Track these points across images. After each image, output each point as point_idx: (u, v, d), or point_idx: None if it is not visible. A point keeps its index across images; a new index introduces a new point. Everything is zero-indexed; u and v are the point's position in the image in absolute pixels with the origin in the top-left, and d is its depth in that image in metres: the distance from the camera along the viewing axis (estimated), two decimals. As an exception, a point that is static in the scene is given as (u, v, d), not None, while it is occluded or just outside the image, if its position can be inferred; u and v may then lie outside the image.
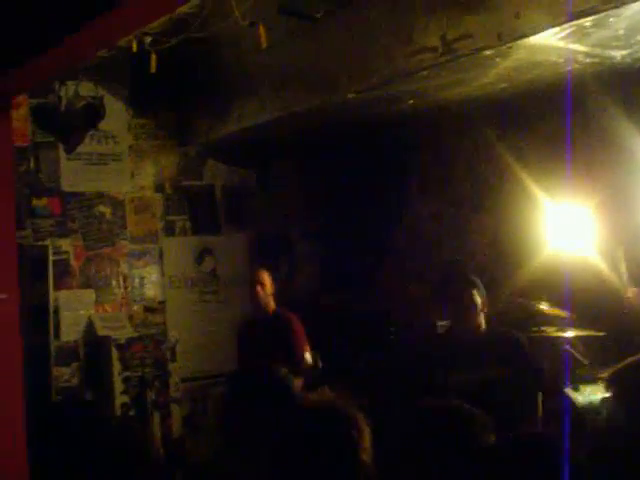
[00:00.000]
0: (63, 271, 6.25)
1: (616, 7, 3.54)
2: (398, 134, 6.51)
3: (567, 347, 4.88)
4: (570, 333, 4.89)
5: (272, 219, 7.17)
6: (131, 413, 6.24)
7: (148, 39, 4.54)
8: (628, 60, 4.55)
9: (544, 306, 5.03)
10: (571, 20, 3.69)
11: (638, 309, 4.94)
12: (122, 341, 6.42)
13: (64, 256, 6.26)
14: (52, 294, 6.15)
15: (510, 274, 4.64)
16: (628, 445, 2.44)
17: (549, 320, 5.03)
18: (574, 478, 1.91)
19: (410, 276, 6.70)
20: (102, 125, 6.03)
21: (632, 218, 5.06)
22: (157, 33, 4.50)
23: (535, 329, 4.95)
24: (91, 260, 6.38)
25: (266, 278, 5.88)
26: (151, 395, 6.49)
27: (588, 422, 4.31)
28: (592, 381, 4.62)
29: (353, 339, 6.46)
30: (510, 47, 4.16)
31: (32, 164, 6.15)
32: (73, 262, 6.29)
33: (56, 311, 6.18)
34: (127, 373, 6.41)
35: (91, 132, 6.05)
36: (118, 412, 6.23)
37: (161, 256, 6.71)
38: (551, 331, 4.91)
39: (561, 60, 4.51)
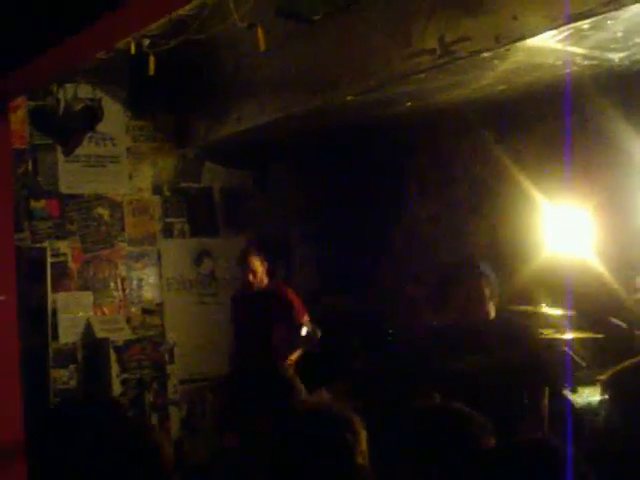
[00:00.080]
0: (61, 273, 6.25)
1: (614, 10, 3.54)
2: (396, 136, 6.51)
3: (566, 349, 4.88)
4: (568, 335, 4.89)
5: (270, 221, 7.17)
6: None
7: (146, 41, 4.53)
8: (626, 62, 4.56)
9: (543, 308, 5.03)
10: (569, 22, 3.69)
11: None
12: (120, 343, 6.42)
13: (62, 258, 6.26)
14: (50, 296, 6.15)
15: (508, 276, 4.63)
16: (626, 448, 2.44)
17: (548, 322, 5.03)
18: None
19: (408, 278, 6.70)
20: (100, 127, 6.03)
21: (630, 220, 5.06)
22: (155, 35, 4.49)
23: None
24: (89, 262, 6.37)
25: (257, 264, 5.92)
26: (149, 397, 6.49)
27: (586, 424, 4.32)
28: (590, 383, 4.62)
29: (351, 340, 6.47)
30: (508, 49, 4.16)
31: (30, 166, 6.15)
32: (71, 264, 6.29)
33: (54, 313, 6.18)
34: (125, 375, 6.41)
35: (89, 134, 6.04)
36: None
37: (159, 258, 6.70)
38: (549, 333, 4.91)
39: (559, 62, 4.52)
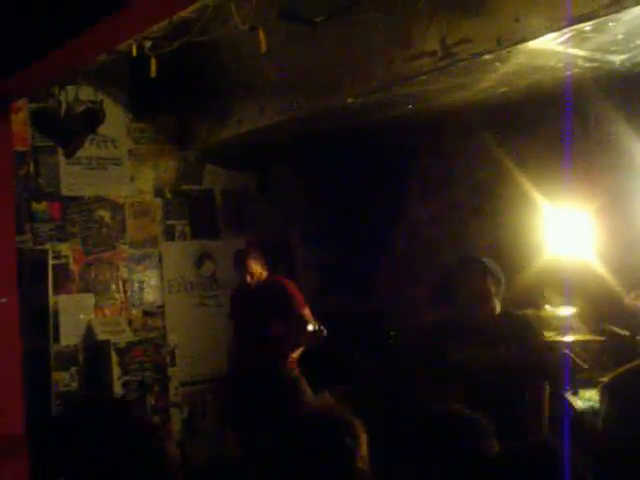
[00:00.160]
0: (62, 275, 6.24)
1: (615, 12, 3.54)
2: (398, 138, 6.51)
3: (567, 351, 4.87)
4: (569, 337, 4.88)
5: (272, 223, 7.17)
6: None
7: (148, 43, 4.54)
8: (627, 65, 4.56)
9: (544, 311, 5.03)
10: (570, 25, 3.69)
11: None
12: (122, 345, 6.41)
13: (64, 260, 6.25)
14: (51, 298, 6.15)
15: (509, 278, 4.62)
16: (623, 451, 2.44)
17: (549, 324, 5.03)
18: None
19: (410, 279, 6.70)
20: (102, 129, 6.02)
21: (632, 223, 5.06)
22: (157, 37, 4.50)
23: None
24: (90, 264, 6.37)
25: (253, 266, 5.91)
26: (150, 399, 6.50)
27: (587, 426, 4.31)
28: (591, 385, 4.61)
29: (353, 342, 6.47)
30: (509, 51, 4.16)
31: (32, 168, 6.15)
32: (73, 266, 6.29)
33: (55, 315, 6.17)
34: (127, 377, 6.41)
35: (91, 136, 6.04)
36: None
37: (160, 260, 6.70)
38: (550, 335, 4.90)
39: (560, 65, 4.52)
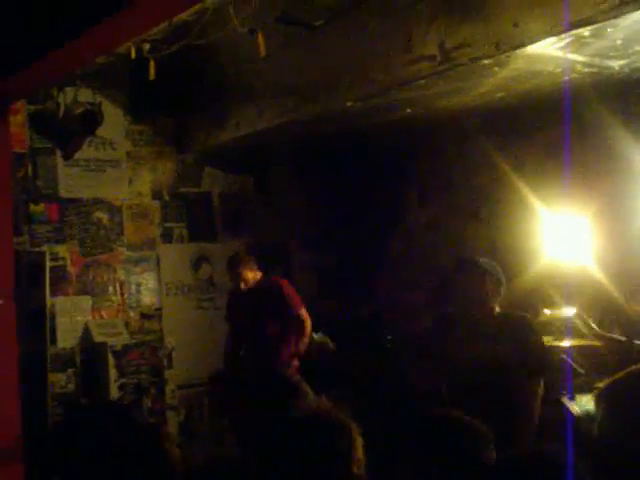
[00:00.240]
0: (60, 277, 6.23)
1: (614, 17, 3.55)
2: (396, 142, 6.51)
3: (564, 356, 4.87)
4: (567, 342, 4.88)
5: (270, 226, 7.17)
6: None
7: (147, 46, 4.54)
8: (626, 70, 4.56)
9: (542, 315, 5.03)
10: (569, 30, 3.70)
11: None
12: (118, 348, 6.40)
13: (61, 262, 6.25)
14: (49, 300, 6.14)
15: (507, 283, 4.62)
16: (619, 458, 2.44)
17: (547, 329, 5.03)
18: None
19: (408, 283, 6.70)
20: (100, 131, 6.02)
21: (629, 227, 5.06)
22: (156, 40, 4.50)
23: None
24: (88, 266, 6.36)
25: (247, 273, 5.90)
26: (147, 402, 6.49)
27: (584, 431, 4.30)
28: (588, 390, 4.61)
29: (350, 346, 6.46)
30: (508, 56, 4.17)
31: (30, 170, 6.15)
32: (70, 268, 6.28)
33: (52, 317, 6.16)
34: (123, 380, 6.40)
35: (89, 138, 6.04)
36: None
37: (158, 263, 6.70)
38: (548, 340, 4.90)
39: (559, 70, 4.52)
